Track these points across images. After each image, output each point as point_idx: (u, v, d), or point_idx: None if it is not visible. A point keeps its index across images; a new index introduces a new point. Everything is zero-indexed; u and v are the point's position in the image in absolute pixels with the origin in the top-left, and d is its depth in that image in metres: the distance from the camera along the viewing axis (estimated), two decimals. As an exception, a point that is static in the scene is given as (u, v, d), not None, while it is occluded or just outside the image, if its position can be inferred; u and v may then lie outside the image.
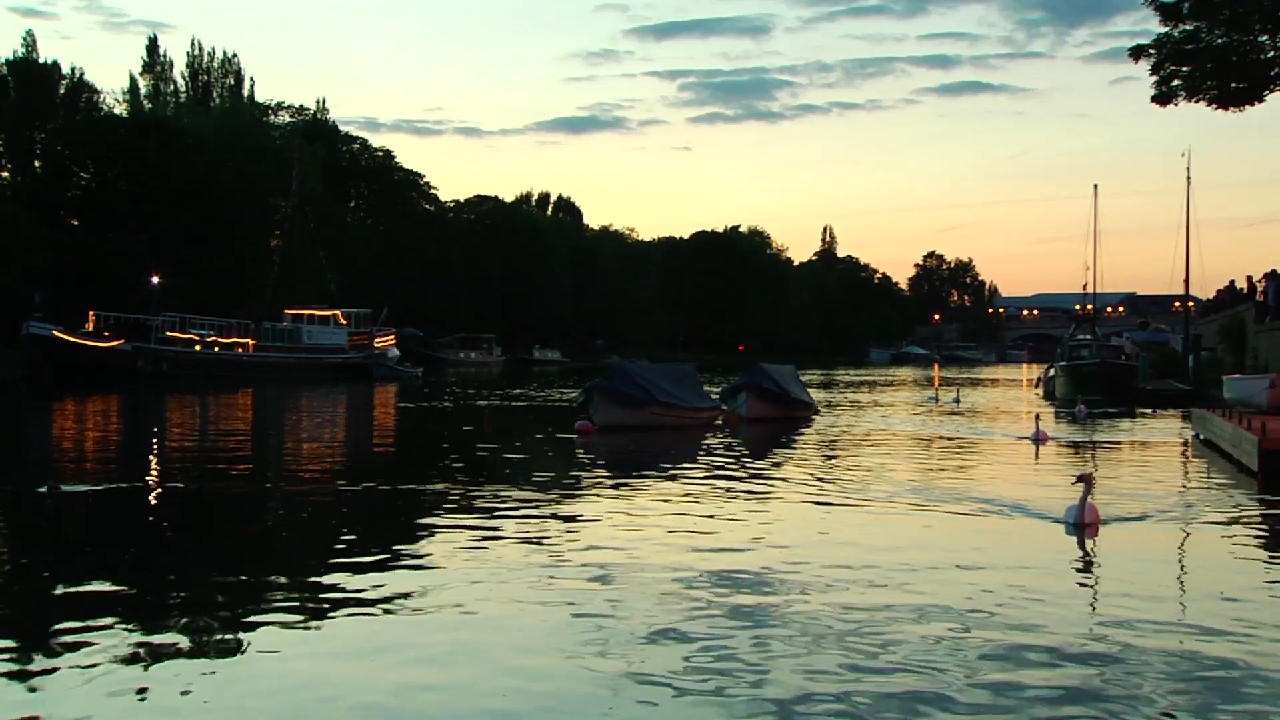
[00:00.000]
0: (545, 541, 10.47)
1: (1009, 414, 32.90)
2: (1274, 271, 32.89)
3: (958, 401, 37.93)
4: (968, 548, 10.30)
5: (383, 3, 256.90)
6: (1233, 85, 32.07)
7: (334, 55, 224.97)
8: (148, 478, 15.84)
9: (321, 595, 8.32)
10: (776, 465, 17.87)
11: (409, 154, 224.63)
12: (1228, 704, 5.92)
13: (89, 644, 6.87)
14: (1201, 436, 22.51)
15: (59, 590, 8.50)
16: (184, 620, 7.65)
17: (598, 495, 14.00)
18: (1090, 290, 57.59)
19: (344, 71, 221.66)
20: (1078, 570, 9.57)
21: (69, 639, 6.98)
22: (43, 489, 13.19)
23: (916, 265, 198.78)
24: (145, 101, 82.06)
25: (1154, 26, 33.00)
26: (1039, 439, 22.08)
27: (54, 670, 6.37)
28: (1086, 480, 11.33)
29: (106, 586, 8.56)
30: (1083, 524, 10.96)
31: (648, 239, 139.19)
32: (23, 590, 8.80)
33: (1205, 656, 6.75)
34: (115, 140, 66.35)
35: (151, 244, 62.67)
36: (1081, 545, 10.38)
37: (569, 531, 11.14)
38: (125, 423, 28.44)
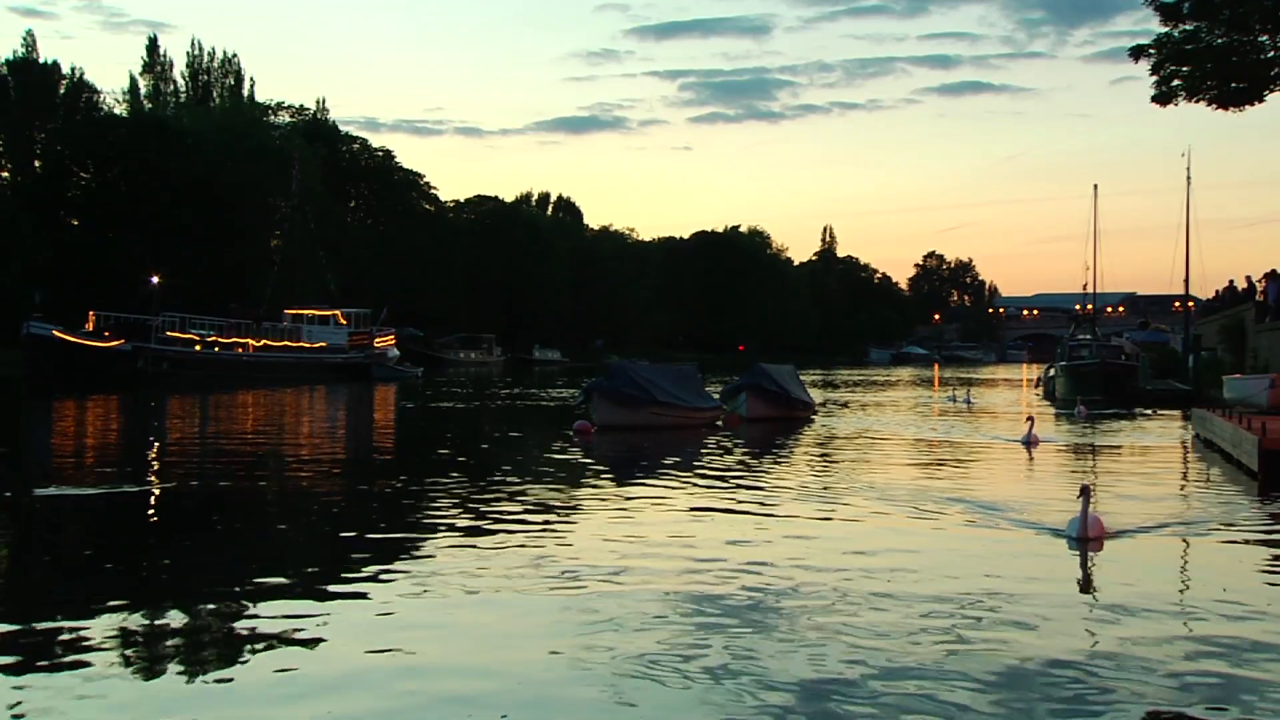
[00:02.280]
0: (543, 542, 10.47)
1: (1006, 415, 32.84)
2: (1274, 271, 32.91)
3: (969, 402, 37.88)
4: (970, 559, 10.27)
5: (383, 3, 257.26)
6: (1233, 85, 32.07)
7: (334, 55, 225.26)
8: (148, 478, 15.82)
9: (320, 596, 8.32)
10: (775, 466, 17.86)
11: (409, 154, 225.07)
12: (1230, 709, 5.93)
13: (88, 646, 6.86)
14: (1201, 437, 22.49)
15: (57, 592, 8.50)
16: (183, 621, 7.64)
17: (596, 496, 13.99)
18: (1090, 290, 57.78)
19: (344, 71, 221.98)
20: (1079, 584, 9.39)
21: (68, 641, 6.98)
22: (24, 494, 13.18)
23: (916, 265, 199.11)
24: (145, 101, 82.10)
25: (1154, 26, 33.05)
26: (1030, 442, 21.55)
27: (53, 672, 6.37)
28: (1085, 493, 10.92)
29: (105, 588, 8.54)
30: (1086, 538, 10.61)
31: (648, 239, 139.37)
32: (21, 592, 8.79)
33: (1207, 661, 6.75)
34: (115, 140, 66.37)
35: (151, 244, 62.63)
36: (1083, 559, 10.15)
37: (567, 532, 11.14)
38: (125, 423, 28.44)
